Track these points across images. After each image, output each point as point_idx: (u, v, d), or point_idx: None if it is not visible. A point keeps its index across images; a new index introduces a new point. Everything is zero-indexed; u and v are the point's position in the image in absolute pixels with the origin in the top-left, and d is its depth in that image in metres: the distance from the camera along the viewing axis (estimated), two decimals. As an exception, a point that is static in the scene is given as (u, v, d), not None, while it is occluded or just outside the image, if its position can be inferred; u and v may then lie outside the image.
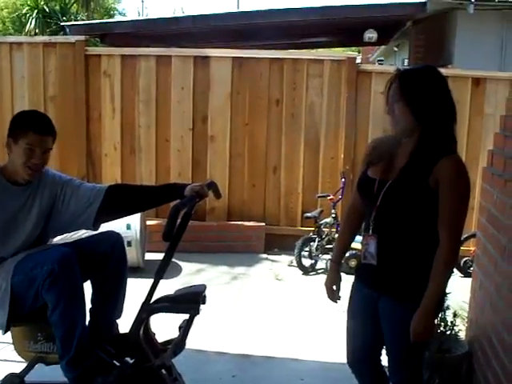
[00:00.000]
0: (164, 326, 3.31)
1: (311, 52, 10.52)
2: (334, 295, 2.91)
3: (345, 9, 9.72)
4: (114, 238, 3.20)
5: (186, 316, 3.04)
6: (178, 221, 2.87)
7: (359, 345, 2.79)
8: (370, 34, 11.27)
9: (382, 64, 18.03)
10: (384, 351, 2.79)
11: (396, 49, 16.12)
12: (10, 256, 3.00)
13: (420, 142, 2.46)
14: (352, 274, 2.89)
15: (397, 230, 2.52)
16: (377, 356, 2.81)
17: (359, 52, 23.06)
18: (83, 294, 2.96)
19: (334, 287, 2.90)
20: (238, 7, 32.73)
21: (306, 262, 6.87)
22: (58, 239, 3.42)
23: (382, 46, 16.70)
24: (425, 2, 9.68)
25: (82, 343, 2.89)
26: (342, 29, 11.42)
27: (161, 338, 3.22)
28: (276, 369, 4.27)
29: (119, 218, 3.46)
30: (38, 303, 2.93)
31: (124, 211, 3.39)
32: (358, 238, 6.85)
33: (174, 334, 3.11)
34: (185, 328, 2.99)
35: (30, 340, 3.09)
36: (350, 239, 2.94)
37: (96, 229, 3.22)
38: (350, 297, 2.83)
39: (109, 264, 3.13)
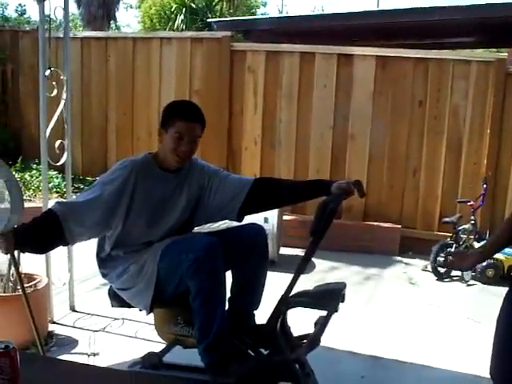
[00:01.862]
0: (298, 321, 3.33)
1: (456, 52, 10.18)
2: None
3: (494, 7, 9.32)
4: (258, 230, 3.24)
5: (322, 312, 3.04)
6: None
7: (507, 359, 2.68)
8: (521, 34, 10.73)
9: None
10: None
11: (547, 50, 15.31)
12: (156, 241, 3.11)
13: None
14: (490, 284, 2.78)
15: None
16: None
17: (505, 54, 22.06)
18: (225, 283, 3.02)
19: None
20: (378, 6, 32.27)
21: (442, 268, 6.71)
22: (197, 229, 3.51)
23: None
24: None
25: (220, 331, 2.94)
26: (489, 29, 10.94)
27: (295, 332, 3.25)
28: (406, 374, 4.19)
29: (265, 210, 3.51)
30: (180, 288, 3.00)
31: (270, 204, 3.43)
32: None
33: (308, 329, 3.12)
34: (322, 324, 2.99)
35: (170, 322, 3.18)
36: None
37: (240, 220, 3.27)
38: (502, 307, 2.72)
39: (251, 256, 3.17)
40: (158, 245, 3.08)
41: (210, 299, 2.94)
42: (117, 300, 3.30)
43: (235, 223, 3.35)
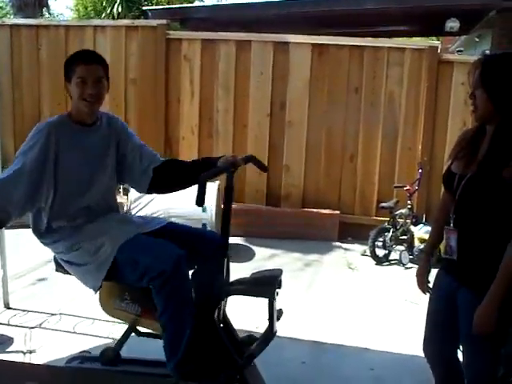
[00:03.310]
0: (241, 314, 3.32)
1: (391, 40, 10.31)
2: (424, 285, 2.88)
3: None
4: (218, 243, 3.09)
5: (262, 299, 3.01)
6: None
7: (437, 335, 2.75)
8: (452, 24, 10.89)
9: (461, 54, 17.53)
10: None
11: (477, 39, 15.63)
12: (94, 205, 3.07)
13: (497, 133, 2.40)
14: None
15: (475, 223, 2.46)
16: (454, 349, 2.74)
17: (438, 42, 22.49)
18: (192, 297, 2.94)
19: (425, 278, 2.88)
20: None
21: (380, 252, 6.81)
22: (155, 215, 3.41)
23: (463, 36, 16.27)
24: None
25: (188, 347, 2.86)
26: (421, 18, 11.14)
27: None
28: (346, 357, 4.23)
29: (173, 190, 3.40)
30: (135, 285, 2.94)
31: (175, 184, 3.34)
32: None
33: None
34: (270, 315, 2.94)
35: (116, 297, 3.09)
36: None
37: (150, 193, 3.35)
38: (433, 285, 2.80)
39: (210, 266, 3.05)
40: (117, 230, 2.99)
41: (178, 315, 2.87)
42: (63, 268, 3.12)
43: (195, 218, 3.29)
